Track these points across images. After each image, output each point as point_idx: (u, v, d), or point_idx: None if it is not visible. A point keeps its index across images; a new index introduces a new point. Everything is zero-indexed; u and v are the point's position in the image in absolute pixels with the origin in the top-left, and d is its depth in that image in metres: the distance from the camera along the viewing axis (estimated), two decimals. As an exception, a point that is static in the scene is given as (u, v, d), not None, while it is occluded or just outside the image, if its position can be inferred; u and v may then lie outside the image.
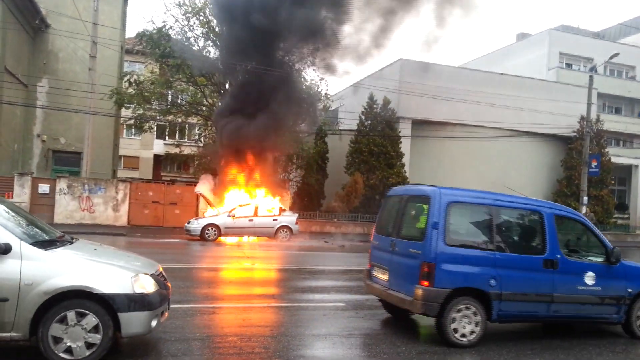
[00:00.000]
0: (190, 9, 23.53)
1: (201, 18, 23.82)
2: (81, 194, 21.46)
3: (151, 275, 5.36)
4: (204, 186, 21.67)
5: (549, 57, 36.28)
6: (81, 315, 4.77)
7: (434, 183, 25.71)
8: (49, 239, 5.38)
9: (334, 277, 12.06)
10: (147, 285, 5.14)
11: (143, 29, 23.76)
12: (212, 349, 5.85)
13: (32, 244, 4.90)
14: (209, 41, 24.18)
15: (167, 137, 38.40)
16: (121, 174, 33.71)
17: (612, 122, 33.12)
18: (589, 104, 26.27)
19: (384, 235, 7.39)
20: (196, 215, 21.41)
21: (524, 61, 37.19)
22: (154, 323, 5.19)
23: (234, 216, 18.94)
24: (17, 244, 4.74)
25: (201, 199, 22.01)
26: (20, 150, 25.43)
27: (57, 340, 4.72)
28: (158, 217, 22.35)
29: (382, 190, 25.62)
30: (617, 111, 38.17)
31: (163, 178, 34.30)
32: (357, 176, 25.15)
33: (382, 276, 7.18)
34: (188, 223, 18.93)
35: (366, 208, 25.67)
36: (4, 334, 4.66)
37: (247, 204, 19.85)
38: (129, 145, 38.02)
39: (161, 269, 5.83)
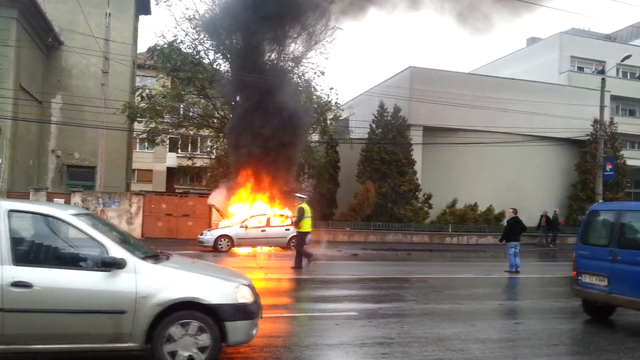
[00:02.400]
0: (200, 22, 23.76)
1: (211, 31, 24.00)
2: (96, 207, 21.67)
3: (247, 285, 5.58)
4: (216, 198, 21.76)
5: (560, 60, 36.07)
6: (191, 326, 5.03)
7: (447, 189, 25.54)
8: (152, 254, 5.65)
9: (347, 286, 11.99)
10: (247, 295, 5.40)
11: (154, 43, 24.08)
12: (224, 360, 5.85)
13: (142, 258, 5.19)
14: (219, 54, 24.38)
15: (179, 150, 38.71)
16: (135, 187, 34.02)
17: (626, 125, 32.77)
18: (602, 107, 26.03)
19: (597, 246, 8.33)
20: (209, 226, 21.49)
21: (534, 65, 37.01)
22: (253, 331, 5.45)
23: (246, 227, 18.98)
24: (131, 260, 5.01)
25: (214, 211, 22.09)
26: (36, 165, 25.78)
27: (170, 349, 4.98)
28: (171, 229, 22.48)
29: (394, 198, 25.57)
30: (631, 113, 37.76)
31: (176, 190, 34.62)
32: (369, 184, 25.09)
33: (600, 282, 8.10)
34: (201, 234, 19.00)
35: (378, 216, 25.58)
36: (123, 344, 4.94)
37: (259, 214, 19.88)
38: (142, 158, 38.39)
39: (251, 280, 6.04)
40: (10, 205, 4.99)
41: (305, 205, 14.18)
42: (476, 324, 7.91)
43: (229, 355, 5.96)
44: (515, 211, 15.25)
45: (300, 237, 14.13)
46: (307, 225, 14.07)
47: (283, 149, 20.83)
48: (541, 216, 25.77)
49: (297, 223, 14.12)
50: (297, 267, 13.88)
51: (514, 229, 14.84)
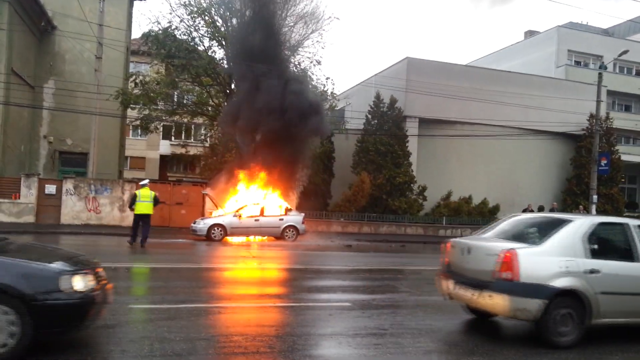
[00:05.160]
0: (195, 9, 23.50)
1: (206, 18, 23.78)
2: (87, 194, 21.47)
3: None
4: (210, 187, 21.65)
5: (558, 54, 35.97)
6: None
7: (442, 182, 25.52)
8: None
9: (340, 276, 11.95)
10: None
11: (149, 29, 23.75)
12: (217, 348, 5.77)
13: None
14: (214, 41, 24.14)
15: (173, 138, 38.43)
16: (127, 174, 33.77)
17: (622, 120, 32.74)
18: (598, 102, 25.99)
19: None
20: (202, 215, 21.38)
21: (532, 59, 36.90)
22: None
23: (240, 216, 18.87)
24: None
25: (207, 199, 21.96)
26: (27, 151, 25.52)
27: None
28: (164, 218, 22.29)
29: (389, 190, 25.51)
30: (627, 109, 37.77)
31: (169, 178, 34.32)
32: (364, 176, 25.02)
33: None
34: (194, 223, 18.87)
35: (373, 208, 25.53)
36: None
37: (253, 203, 19.77)
38: (135, 145, 38.10)
39: None
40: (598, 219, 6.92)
41: (140, 191, 15.54)
42: (469, 316, 7.86)
43: (223, 344, 5.90)
44: (540, 208, 15.86)
45: (134, 218, 15.45)
46: (139, 208, 15.29)
47: (285, 139, 20.50)
48: (524, 210, 25.75)
49: (130, 206, 15.89)
50: (132, 241, 15.31)
51: None
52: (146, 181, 16.59)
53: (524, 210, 25.76)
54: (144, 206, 15.25)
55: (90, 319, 5.10)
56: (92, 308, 5.00)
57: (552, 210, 25.86)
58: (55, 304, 4.67)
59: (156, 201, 15.56)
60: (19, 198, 20.65)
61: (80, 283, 4.86)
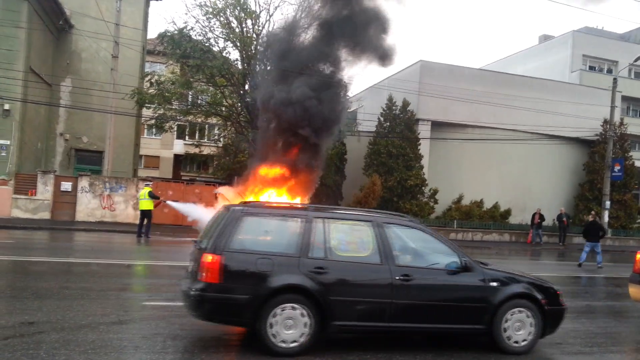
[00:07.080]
0: (211, 9, 23.69)
1: (222, 19, 23.96)
2: (102, 192, 21.75)
3: None
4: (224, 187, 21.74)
5: (572, 59, 35.72)
6: None
7: (453, 185, 25.19)
8: None
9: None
10: None
11: (165, 29, 23.99)
12: (230, 347, 5.87)
13: None
14: (229, 42, 24.30)
15: (187, 137, 38.70)
16: (142, 173, 34.13)
17: (636, 126, 32.44)
18: (613, 107, 25.82)
19: None
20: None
21: (546, 63, 36.68)
22: None
23: (251, 216, 18.91)
24: None
25: (220, 199, 22.10)
26: (44, 148, 25.90)
27: None
28: (177, 216, 22.41)
29: (400, 193, 25.48)
30: (642, 114, 37.40)
31: (183, 177, 34.63)
32: (375, 178, 25.02)
33: None
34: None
35: (384, 210, 25.51)
36: None
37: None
38: (150, 144, 38.46)
39: None
40: None
41: (142, 190, 18.30)
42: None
43: (236, 341, 5.98)
44: (594, 215, 18.29)
45: (141, 214, 17.87)
46: (140, 206, 18.17)
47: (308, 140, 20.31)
48: (534, 214, 25.65)
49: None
50: (137, 236, 17.30)
51: (588, 231, 17.33)
52: (149, 182, 19.66)
53: (534, 215, 25.69)
54: (142, 203, 17.80)
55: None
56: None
57: (560, 215, 25.75)
58: (556, 310, 6.41)
59: (151, 196, 17.62)
60: (35, 194, 20.98)
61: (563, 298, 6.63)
